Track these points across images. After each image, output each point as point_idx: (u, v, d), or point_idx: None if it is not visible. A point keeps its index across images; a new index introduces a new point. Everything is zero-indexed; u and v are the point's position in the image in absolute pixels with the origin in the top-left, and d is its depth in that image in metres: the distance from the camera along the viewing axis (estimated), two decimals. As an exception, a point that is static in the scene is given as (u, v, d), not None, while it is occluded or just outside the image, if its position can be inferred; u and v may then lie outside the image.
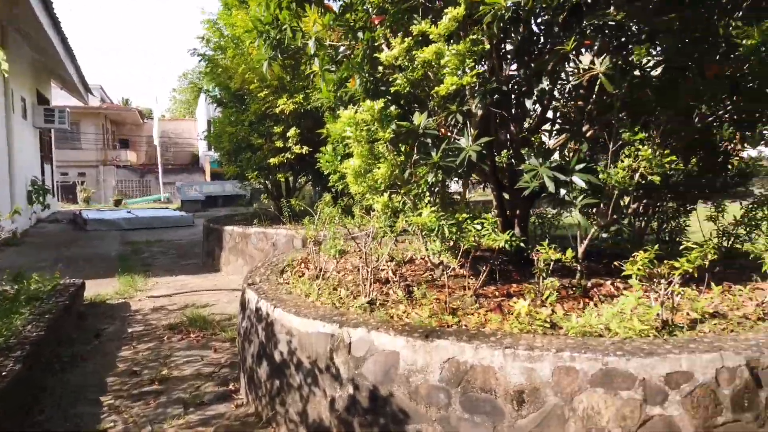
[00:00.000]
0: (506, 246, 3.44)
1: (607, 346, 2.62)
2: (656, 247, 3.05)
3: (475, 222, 3.71)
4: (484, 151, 3.74)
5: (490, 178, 4.75)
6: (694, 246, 3.04)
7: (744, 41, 3.04)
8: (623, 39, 3.09)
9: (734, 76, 3.50)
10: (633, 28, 2.95)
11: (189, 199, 25.44)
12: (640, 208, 4.63)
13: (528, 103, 3.45)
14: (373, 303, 3.55)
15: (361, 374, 2.96)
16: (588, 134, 3.75)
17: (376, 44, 4.10)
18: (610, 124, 3.45)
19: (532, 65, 3.46)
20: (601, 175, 3.53)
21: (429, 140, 3.73)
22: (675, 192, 4.69)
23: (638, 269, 3.00)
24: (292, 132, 8.40)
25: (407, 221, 3.88)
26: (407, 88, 3.87)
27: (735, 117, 4.20)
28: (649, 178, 3.34)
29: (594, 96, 3.67)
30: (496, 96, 3.57)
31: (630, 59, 2.93)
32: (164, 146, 39.09)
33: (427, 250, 4.14)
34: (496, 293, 3.75)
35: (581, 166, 3.55)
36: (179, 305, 6.95)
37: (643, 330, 2.75)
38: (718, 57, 3.23)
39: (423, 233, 3.93)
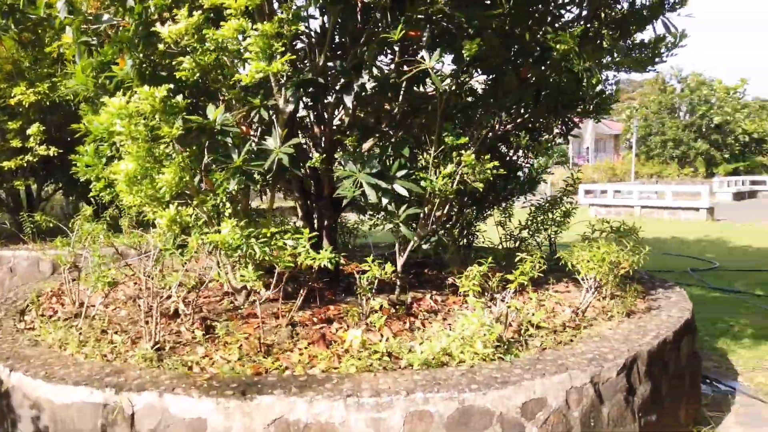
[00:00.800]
0: (329, 264, 2.94)
1: (459, 379, 2.28)
2: (489, 260, 2.85)
3: (287, 237, 3.13)
4: (296, 154, 3.18)
5: (295, 185, 4.21)
6: (527, 258, 2.91)
7: (557, 46, 3.01)
8: (453, 32, 2.83)
9: (538, 82, 3.52)
10: (463, 24, 2.70)
11: None
12: (443, 215, 4.54)
13: (348, 100, 3.01)
14: (162, 348, 2.74)
15: (153, 455, 2.17)
16: (398, 136, 3.45)
17: (153, 18, 3.26)
18: (431, 128, 3.18)
19: (354, 54, 3.02)
20: (423, 183, 3.25)
21: (229, 140, 3.05)
22: (473, 198, 4.71)
23: (473, 284, 2.75)
24: (34, 129, 6.74)
25: (203, 240, 3.13)
26: (197, 75, 3.13)
27: (530, 125, 4.33)
28: (473, 185, 3.16)
29: (410, 96, 3.39)
30: (310, 89, 3.05)
31: (462, 54, 2.68)
32: None
33: (226, 273, 3.43)
34: (314, 319, 3.22)
35: (403, 172, 3.23)
36: None
37: (487, 354, 2.49)
38: (531, 60, 3.17)
39: (224, 253, 3.21)
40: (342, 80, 3.07)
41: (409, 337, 2.94)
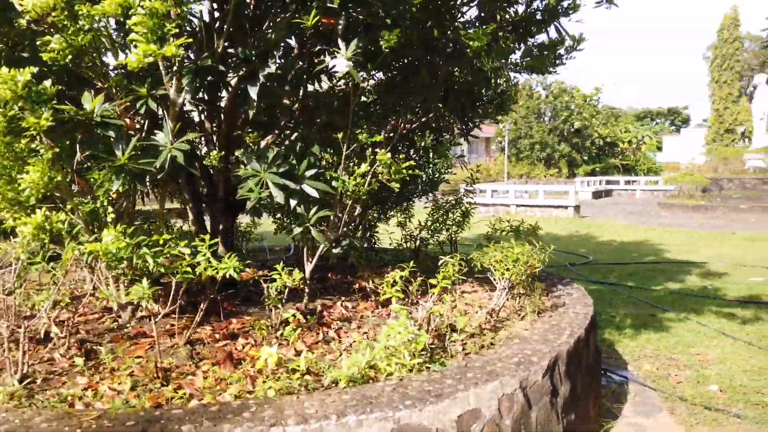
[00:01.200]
0: (234, 274, 2.63)
1: (390, 395, 2.10)
2: (411, 264, 2.71)
3: (182, 244, 2.77)
4: (193, 152, 2.83)
5: (185, 186, 3.81)
6: (449, 261, 2.81)
7: (472, 43, 2.95)
8: (369, 23, 2.64)
9: (447, 80, 3.45)
10: (380, 12, 2.53)
11: None
12: (352, 217, 4.35)
13: (252, 92, 2.71)
14: (32, 381, 2.28)
15: None
16: (302, 134, 3.21)
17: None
18: (336, 125, 2.98)
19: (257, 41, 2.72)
20: (335, 183, 3.04)
21: (112, 134, 2.63)
22: (376, 199, 4.58)
23: (396, 290, 2.59)
24: None
25: (80, 250, 2.67)
26: (68, 58, 2.68)
27: (434, 125, 4.28)
28: (389, 185, 3.00)
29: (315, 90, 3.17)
30: (209, 79, 2.72)
31: (380, 46, 2.50)
32: None
33: (107, 287, 2.97)
34: (216, 335, 2.88)
35: (312, 172, 3.00)
36: None
37: (414, 365, 2.34)
38: (445, 58, 3.08)
39: (105, 265, 2.77)
40: (245, 69, 2.77)
41: (325, 350, 2.72)
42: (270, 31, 2.73)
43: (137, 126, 2.96)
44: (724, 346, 4.74)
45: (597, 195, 25.88)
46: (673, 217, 16.52)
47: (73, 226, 2.80)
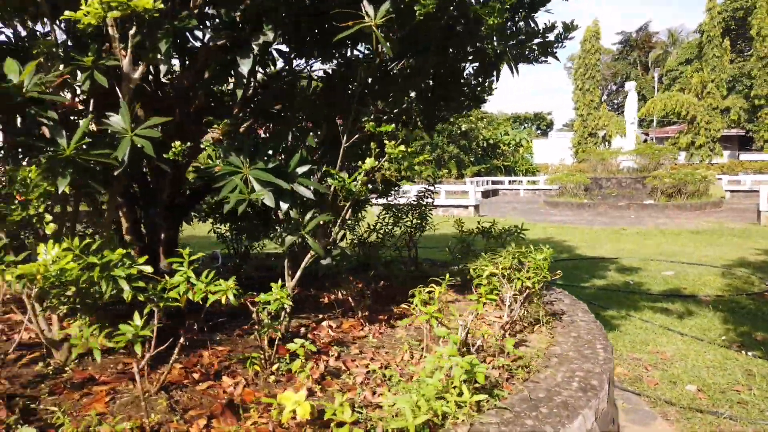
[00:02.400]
0: (231, 298, 2.04)
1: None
2: (447, 277, 2.28)
3: (141, 260, 2.13)
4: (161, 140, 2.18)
5: (117, 185, 3.07)
6: (484, 269, 2.41)
7: (489, 19, 2.59)
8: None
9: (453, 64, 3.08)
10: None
11: None
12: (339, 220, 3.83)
13: (244, 65, 2.11)
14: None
15: None
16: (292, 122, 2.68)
17: None
18: (346, 110, 2.49)
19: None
20: (330, 181, 2.53)
21: (53, 115, 1.93)
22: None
23: (434, 311, 2.15)
24: None
25: (11, 273, 1.93)
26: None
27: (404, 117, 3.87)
28: (397, 182, 2.55)
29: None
30: (187, 46, 2.10)
31: (411, 11, 2.05)
32: None
33: (31, 318, 2.23)
34: (192, 375, 2.26)
35: (305, 168, 2.47)
36: None
37: (475, 403, 1.92)
38: (454, 36, 2.69)
39: (39, 292, 2.05)
40: (234, 35, 2.17)
41: (340, 386, 2.22)
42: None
43: (80, 107, 2.25)
44: (675, 343, 4.81)
45: (486, 194, 26.88)
46: (562, 215, 17.43)
47: (-7, 241, 2.04)
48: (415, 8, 2.05)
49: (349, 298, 3.15)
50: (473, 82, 3.48)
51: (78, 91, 2.38)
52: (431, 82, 3.25)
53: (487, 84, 3.75)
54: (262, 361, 2.33)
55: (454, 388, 1.93)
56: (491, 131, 36.60)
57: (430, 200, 4.70)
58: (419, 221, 4.59)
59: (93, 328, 2.04)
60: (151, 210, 3.19)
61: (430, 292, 2.30)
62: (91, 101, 2.20)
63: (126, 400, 2.05)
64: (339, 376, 2.33)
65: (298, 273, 2.75)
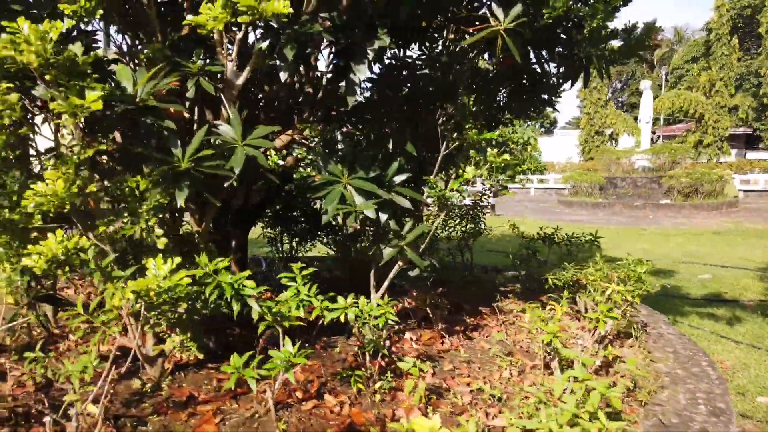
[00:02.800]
0: (350, 318, 1.95)
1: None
2: (566, 293, 2.19)
3: (245, 275, 2.04)
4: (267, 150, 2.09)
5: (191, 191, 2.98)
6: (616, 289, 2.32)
7: (591, 22, 2.49)
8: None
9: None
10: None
11: None
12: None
13: (360, 71, 2.00)
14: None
15: None
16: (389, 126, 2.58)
17: None
18: (448, 115, 2.40)
19: None
20: (428, 190, 2.44)
21: (170, 124, 1.83)
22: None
23: (556, 328, 2.06)
24: None
25: (116, 289, 1.84)
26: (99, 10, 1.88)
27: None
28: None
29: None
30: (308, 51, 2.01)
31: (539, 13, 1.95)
32: None
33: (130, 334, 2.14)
34: (298, 395, 2.17)
35: (403, 177, 2.38)
36: None
37: (613, 429, 1.83)
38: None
39: (148, 307, 1.96)
40: (343, 40, 2.08)
41: (451, 408, 2.13)
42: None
43: (186, 114, 2.15)
44: (732, 351, 4.72)
45: (495, 193, 26.74)
46: (576, 214, 17.33)
47: (98, 253, 1.95)
48: (544, 11, 1.95)
49: (427, 309, 3.06)
50: (555, 85, 3.38)
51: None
52: (520, 84, 3.15)
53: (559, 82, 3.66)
54: (365, 379, 2.24)
55: (585, 413, 1.84)
56: (501, 129, 36.39)
57: (485, 204, 4.60)
58: (473, 225, 4.50)
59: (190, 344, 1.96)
60: (223, 218, 3.10)
61: (552, 309, 2.21)
62: (195, 108, 2.10)
63: (236, 421, 1.96)
64: (442, 396, 2.24)
65: (385, 283, 2.66)
